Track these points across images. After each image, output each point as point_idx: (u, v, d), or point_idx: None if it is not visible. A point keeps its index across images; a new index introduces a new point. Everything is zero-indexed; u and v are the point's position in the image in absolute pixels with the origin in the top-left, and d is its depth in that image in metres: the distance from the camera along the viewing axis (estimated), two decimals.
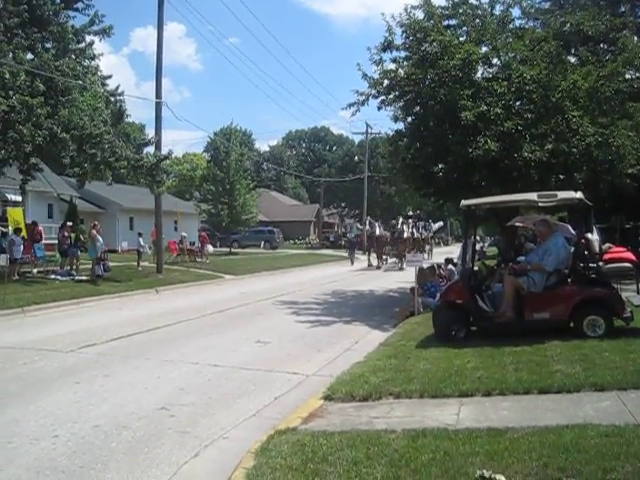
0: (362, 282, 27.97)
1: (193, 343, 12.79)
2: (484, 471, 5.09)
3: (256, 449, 6.13)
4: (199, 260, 36.45)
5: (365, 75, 19.38)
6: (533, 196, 11.57)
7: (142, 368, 10.46)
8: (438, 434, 6.24)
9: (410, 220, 44.64)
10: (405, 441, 6.08)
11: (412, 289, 16.50)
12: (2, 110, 20.96)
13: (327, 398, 8.13)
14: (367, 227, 42.86)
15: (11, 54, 22.99)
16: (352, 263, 41.95)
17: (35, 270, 24.95)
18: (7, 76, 21.45)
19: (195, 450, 6.64)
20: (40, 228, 27.83)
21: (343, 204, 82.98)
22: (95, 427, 7.26)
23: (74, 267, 25.25)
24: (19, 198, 32.26)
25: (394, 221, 43.99)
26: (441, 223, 65.10)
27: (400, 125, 21.02)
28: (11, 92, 21.53)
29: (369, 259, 41.27)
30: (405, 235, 39.36)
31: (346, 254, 45.88)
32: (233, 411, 8.10)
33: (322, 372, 10.31)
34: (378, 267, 38.95)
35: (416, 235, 44.00)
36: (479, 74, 19.03)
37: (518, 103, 18.00)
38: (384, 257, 41.91)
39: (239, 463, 5.86)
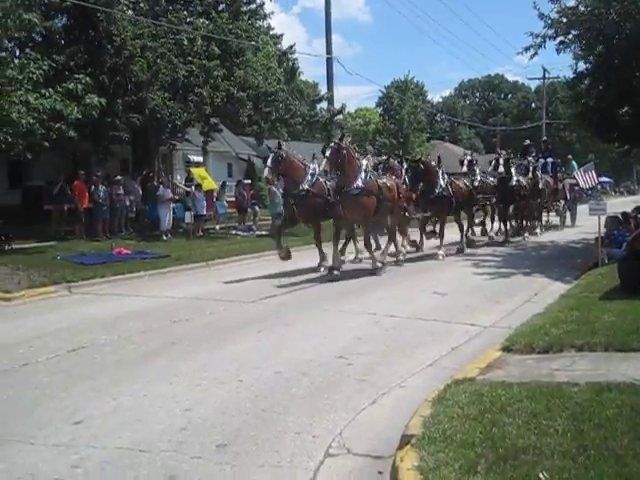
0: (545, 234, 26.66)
1: (370, 294, 12.86)
2: None
3: (433, 398, 6.06)
4: None
5: (542, 15, 18.36)
6: None
7: (320, 318, 10.70)
8: (624, 389, 5.87)
9: (500, 154, 22.99)
10: (588, 394, 5.77)
11: (596, 239, 15.65)
12: (182, 75, 22.02)
13: (506, 349, 7.89)
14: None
15: (188, 20, 24.06)
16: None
17: (217, 226, 26.19)
18: (185, 42, 22.46)
19: (372, 397, 6.70)
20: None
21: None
22: (276, 373, 7.51)
23: (254, 223, 26.27)
24: (200, 159, 33.93)
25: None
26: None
27: (581, 67, 19.78)
28: (189, 57, 22.53)
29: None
30: (461, 184, 20.05)
31: None
32: (410, 360, 8.08)
33: (500, 324, 10.03)
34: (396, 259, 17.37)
35: (513, 181, 22.11)
36: None
37: None
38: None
39: (416, 411, 5.82)
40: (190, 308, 11.68)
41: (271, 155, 15.04)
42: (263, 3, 26.91)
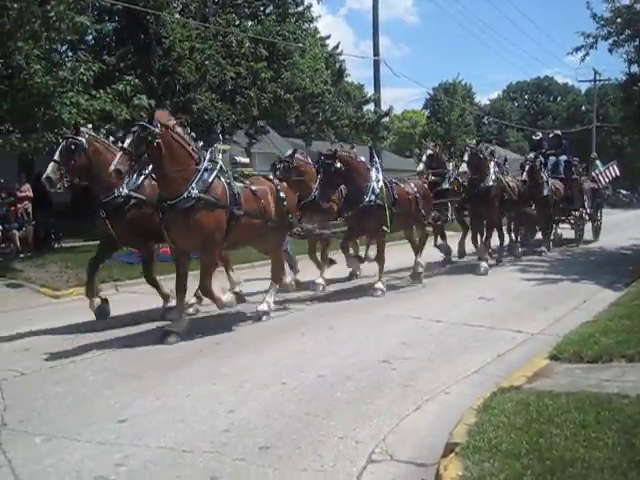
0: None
1: (414, 299, 12.77)
2: None
3: (478, 406, 5.97)
4: None
5: (594, 15, 18.01)
6: None
7: (365, 322, 10.62)
8: None
9: (468, 146, 16.82)
10: (639, 407, 5.62)
11: None
12: (230, 77, 22.19)
13: (553, 358, 7.72)
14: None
15: (236, 22, 24.29)
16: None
17: None
18: (233, 44, 22.66)
19: (416, 403, 6.64)
20: None
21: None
22: (320, 377, 7.49)
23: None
24: (247, 160, 34.16)
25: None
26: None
27: (634, 68, 19.33)
28: (237, 59, 22.73)
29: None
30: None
31: None
32: (455, 366, 7.99)
33: (548, 331, 9.86)
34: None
35: (489, 181, 15.65)
36: None
37: None
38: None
39: (461, 419, 5.73)
40: (233, 308, 11.69)
41: (62, 143, 9.79)
42: (310, 5, 27.14)
